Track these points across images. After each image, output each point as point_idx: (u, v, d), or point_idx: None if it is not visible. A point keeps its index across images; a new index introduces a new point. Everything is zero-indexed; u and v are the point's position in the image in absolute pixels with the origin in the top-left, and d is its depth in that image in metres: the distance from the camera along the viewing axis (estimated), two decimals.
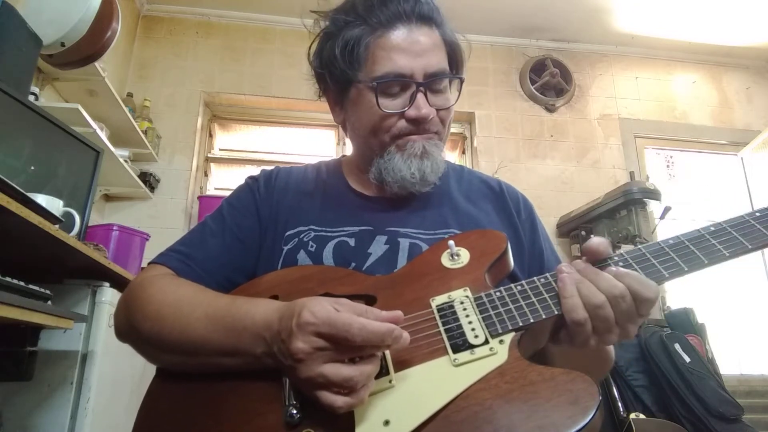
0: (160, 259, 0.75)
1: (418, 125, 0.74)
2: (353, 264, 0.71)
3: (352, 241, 0.74)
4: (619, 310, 0.53)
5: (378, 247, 0.74)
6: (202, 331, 0.60)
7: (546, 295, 0.57)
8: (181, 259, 0.74)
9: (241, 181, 0.88)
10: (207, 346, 0.60)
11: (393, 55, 0.72)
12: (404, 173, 0.74)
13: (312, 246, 0.74)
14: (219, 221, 0.80)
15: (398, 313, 0.54)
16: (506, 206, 0.83)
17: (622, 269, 0.56)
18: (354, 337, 0.49)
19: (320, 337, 0.50)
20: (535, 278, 0.60)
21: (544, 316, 0.55)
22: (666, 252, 0.58)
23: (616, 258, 0.59)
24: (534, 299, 0.57)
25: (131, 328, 0.67)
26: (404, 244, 0.73)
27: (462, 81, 0.80)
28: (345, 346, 0.50)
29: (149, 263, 0.76)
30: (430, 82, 0.74)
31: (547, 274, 0.60)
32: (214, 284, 0.72)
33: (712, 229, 0.59)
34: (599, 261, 0.59)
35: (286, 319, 0.54)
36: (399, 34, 0.73)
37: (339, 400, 0.50)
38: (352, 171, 0.87)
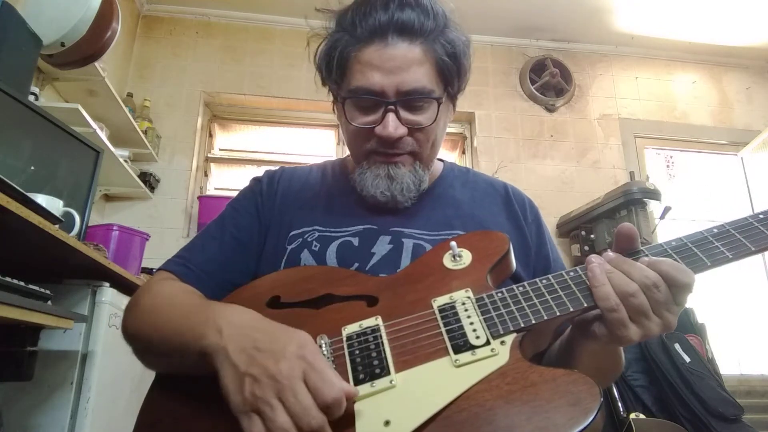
0: (164, 266, 0.77)
1: (387, 144, 0.73)
2: (356, 264, 0.71)
3: (355, 241, 0.75)
4: (654, 299, 0.52)
5: (382, 247, 0.74)
6: (167, 329, 0.61)
7: (548, 297, 0.57)
8: (182, 263, 0.76)
9: (245, 182, 0.89)
10: (166, 342, 0.61)
11: (366, 70, 0.71)
12: (374, 191, 0.75)
13: (316, 246, 0.74)
14: (219, 224, 0.81)
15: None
16: (513, 209, 0.83)
17: (655, 258, 0.55)
18: (327, 405, 0.48)
19: (303, 374, 0.49)
20: (537, 279, 0.60)
21: (546, 317, 0.55)
22: (668, 254, 0.58)
23: (646, 250, 0.59)
24: (536, 300, 0.57)
25: (129, 334, 0.69)
26: (408, 244, 0.73)
27: (439, 102, 0.73)
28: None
29: (156, 270, 0.78)
30: (406, 101, 0.71)
31: (549, 276, 0.59)
32: (214, 285, 0.72)
33: (715, 230, 0.59)
34: (631, 253, 0.58)
35: (280, 332, 0.53)
36: (373, 50, 0.71)
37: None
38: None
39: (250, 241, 0.78)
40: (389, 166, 0.75)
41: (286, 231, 0.78)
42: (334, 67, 0.74)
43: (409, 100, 0.71)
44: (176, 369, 0.62)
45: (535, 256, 0.80)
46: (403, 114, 0.72)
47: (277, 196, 0.83)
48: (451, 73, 0.75)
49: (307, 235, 0.76)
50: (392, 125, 0.71)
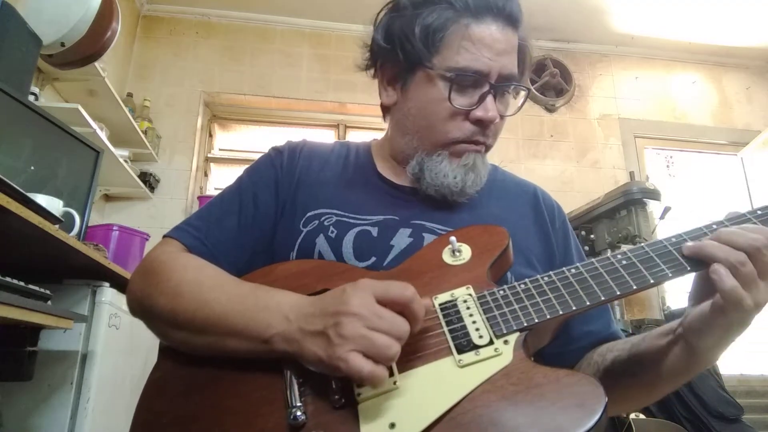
0: (176, 234, 0.73)
1: (482, 128, 0.71)
2: (373, 258, 0.69)
3: (374, 231, 0.71)
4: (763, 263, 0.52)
5: (401, 240, 0.70)
6: (218, 310, 0.59)
7: (551, 295, 0.56)
8: (198, 236, 0.72)
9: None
10: (219, 324, 0.59)
11: (476, 48, 0.68)
12: (448, 180, 0.72)
13: (332, 232, 0.71)
14: (236, 196, 0.77)
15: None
16: (541, 215, 0.81)
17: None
18: (408, 300, 0.51)
19: (374, 297, 0.52)
20: (538, 276, 0.59)
21: (548, 316, 0.54)
22: (668, 250, 0.57)
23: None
24: (538, 299, 0.56)
25: (145, 303, 0.66)
26: (429, 238, 0.70)
27: (529, 92, 0.76)
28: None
29: (164, 236, 0.73)
30: (501, 86, 0.71)
31: (551, 273, 0.59)
32: (227, 266, 0.69)
33: (715, 227, 0.58)
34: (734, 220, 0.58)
35: (331, 291, 0.55)
36: (486, 29, 0.69)
37: (367, 366, 0.48)
38: (383, 156, 0.83)
39: (267, 222, 0.75)
40: (476, 155, 0.72)
41: (302, 211, 0.74)
42: (433, 40, 0.70)
43: (506, 86, 0.71)
44: (213, 347, 0.60)
45: (560, 264, 0.75)
46: (496, 100, 0.71)
47: (297, 171, 0.79)
48: (525, 67, 0.76)
49: (324, 219, 0.73)
50: (493, 108, 0.69)
